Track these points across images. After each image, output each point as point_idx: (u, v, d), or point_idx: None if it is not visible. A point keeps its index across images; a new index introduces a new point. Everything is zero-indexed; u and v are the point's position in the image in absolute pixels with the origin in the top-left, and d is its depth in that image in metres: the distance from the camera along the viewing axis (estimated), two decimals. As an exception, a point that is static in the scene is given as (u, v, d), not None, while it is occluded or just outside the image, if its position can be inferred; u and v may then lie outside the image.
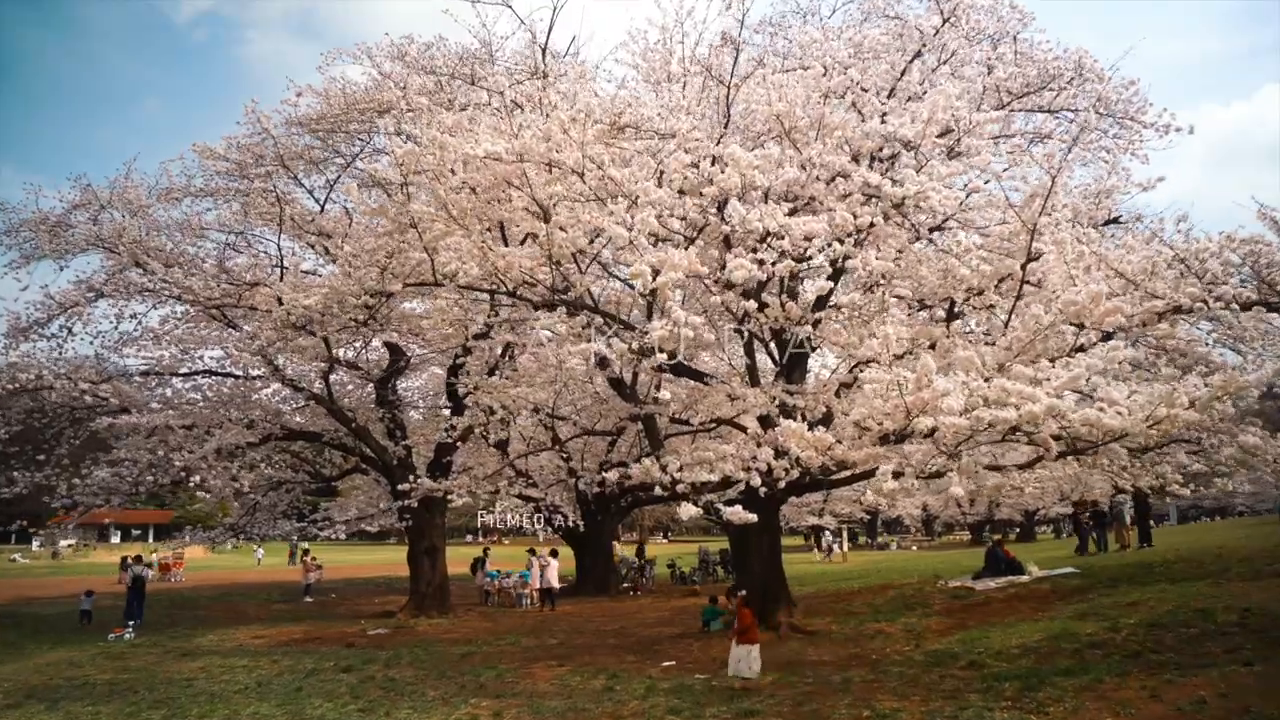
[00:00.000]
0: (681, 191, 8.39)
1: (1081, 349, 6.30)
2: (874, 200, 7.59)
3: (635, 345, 6.88)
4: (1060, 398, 5.31)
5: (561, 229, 7.31)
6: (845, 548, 37.74)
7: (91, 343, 16.77)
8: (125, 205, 16.01)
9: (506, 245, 9.59)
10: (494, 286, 8.82)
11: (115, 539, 68.14)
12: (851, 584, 19.45)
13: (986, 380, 5.74)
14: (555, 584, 19.07)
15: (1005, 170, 8.22)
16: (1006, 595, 12.72)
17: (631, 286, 8.60)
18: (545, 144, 7.36)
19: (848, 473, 7.80)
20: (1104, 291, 5.88)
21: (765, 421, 8.90)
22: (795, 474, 7.46)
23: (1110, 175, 9.10)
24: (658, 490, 7.49)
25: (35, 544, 58.61)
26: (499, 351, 16.66)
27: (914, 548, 48.84)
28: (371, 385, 18.36)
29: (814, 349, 12.33)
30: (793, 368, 10.49)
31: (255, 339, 11.13)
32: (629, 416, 11.43)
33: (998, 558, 15.77)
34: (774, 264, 6.98)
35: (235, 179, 15.58)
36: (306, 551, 24.47)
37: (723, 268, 7.10)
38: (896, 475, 5.87)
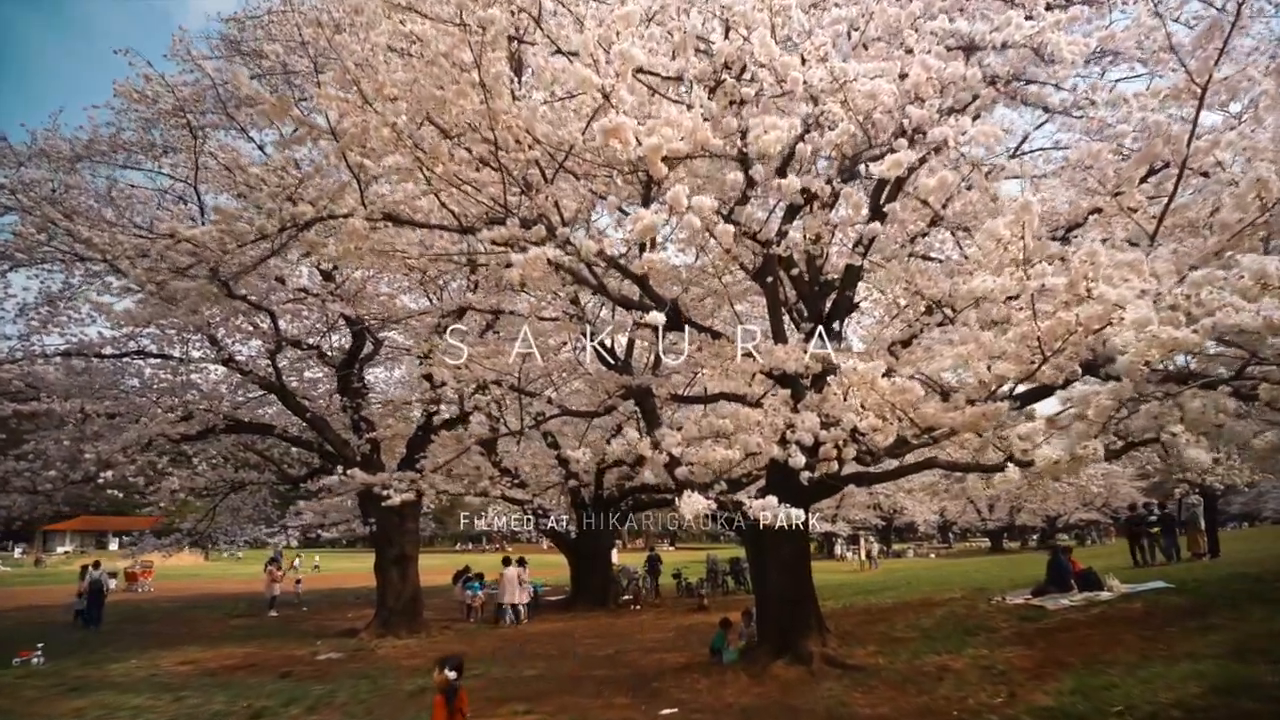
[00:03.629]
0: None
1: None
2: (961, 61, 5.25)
3: (619, 238, 4.57)
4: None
5: (513, 95, 5.02)
6: (864, 555, 35.11)
7: (14, 320, 14.64)
8: (48, 162, 13.86)
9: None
10: (425, 210, 6.49)
11: (113, 545, 66.17)
12: (883, 598, 16.93)
13: (1184, 282, 3.36)
14: (518, 597, 17.33)
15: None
16: (1091, 618, 10.25)
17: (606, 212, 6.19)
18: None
19: (930, 451, 5.42)
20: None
21: (794, 385, 6.48)
22: (851, 452, 5.10)
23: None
24: (649, 474, 5.18)
25: (18, 551, 56.76)
26: (479, 334, 14.45)
27: (931, 555, 46.11)
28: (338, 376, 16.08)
29: (854, 307, 9.96)
30: (828, 325, 8.11)
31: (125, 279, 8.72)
32: (620, 391, 9.08)
33: (1063, 569, 13.20)
34: (824, 133, 4.65)
35: (170, 128, 13.24)
36: (273, 560, 22.10)
37: (743, 138, 4.74)
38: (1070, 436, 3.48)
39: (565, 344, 13.41)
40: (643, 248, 4.69)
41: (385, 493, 7.93)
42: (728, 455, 4.82)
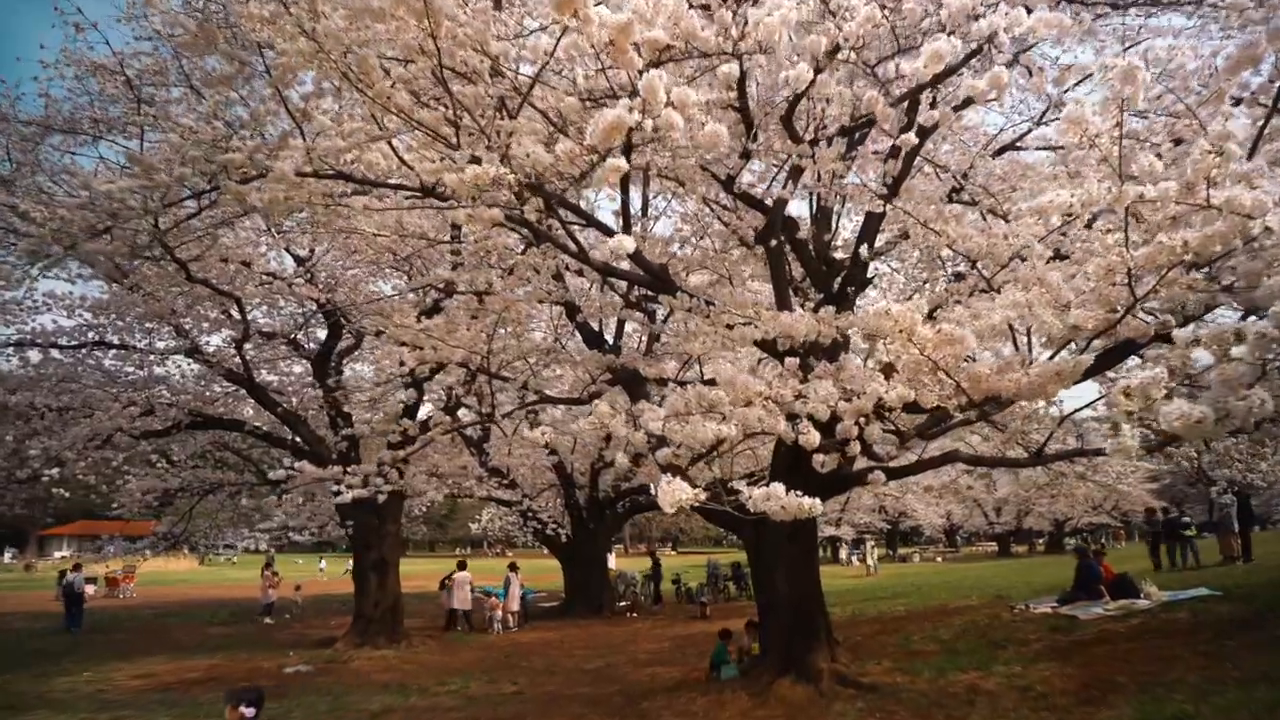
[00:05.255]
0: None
1: None
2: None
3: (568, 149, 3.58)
4: None
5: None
6: (873, 559, 33.95)
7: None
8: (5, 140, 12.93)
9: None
10: (381, 169, 5.54)
11: (111, 549, 65.20)
12: (894, 605, 15.91)
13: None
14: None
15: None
16: (1131, 629, 9.22)
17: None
18: None
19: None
20: None
21: (802, 359, 5.49)
22: (875, 431, 4.12)
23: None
24: (621, 456, 4.22)
25: (7, 555, 55.92)
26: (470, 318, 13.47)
27: (938, 560, 44.94)
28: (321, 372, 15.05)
29: (868, 282, 9.00)
30: (841, 297, 7.13)
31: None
32: (605, 375, 8.11)
33: (1092, 574, 12.14)
34: (843, 25, 3.68)
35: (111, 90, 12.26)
36: (269, 565, 21.11)
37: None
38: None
39: (553, 336, 12.47)
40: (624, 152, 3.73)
41: (336, 488, 7.01)
42: (720, 430, 3.82)
